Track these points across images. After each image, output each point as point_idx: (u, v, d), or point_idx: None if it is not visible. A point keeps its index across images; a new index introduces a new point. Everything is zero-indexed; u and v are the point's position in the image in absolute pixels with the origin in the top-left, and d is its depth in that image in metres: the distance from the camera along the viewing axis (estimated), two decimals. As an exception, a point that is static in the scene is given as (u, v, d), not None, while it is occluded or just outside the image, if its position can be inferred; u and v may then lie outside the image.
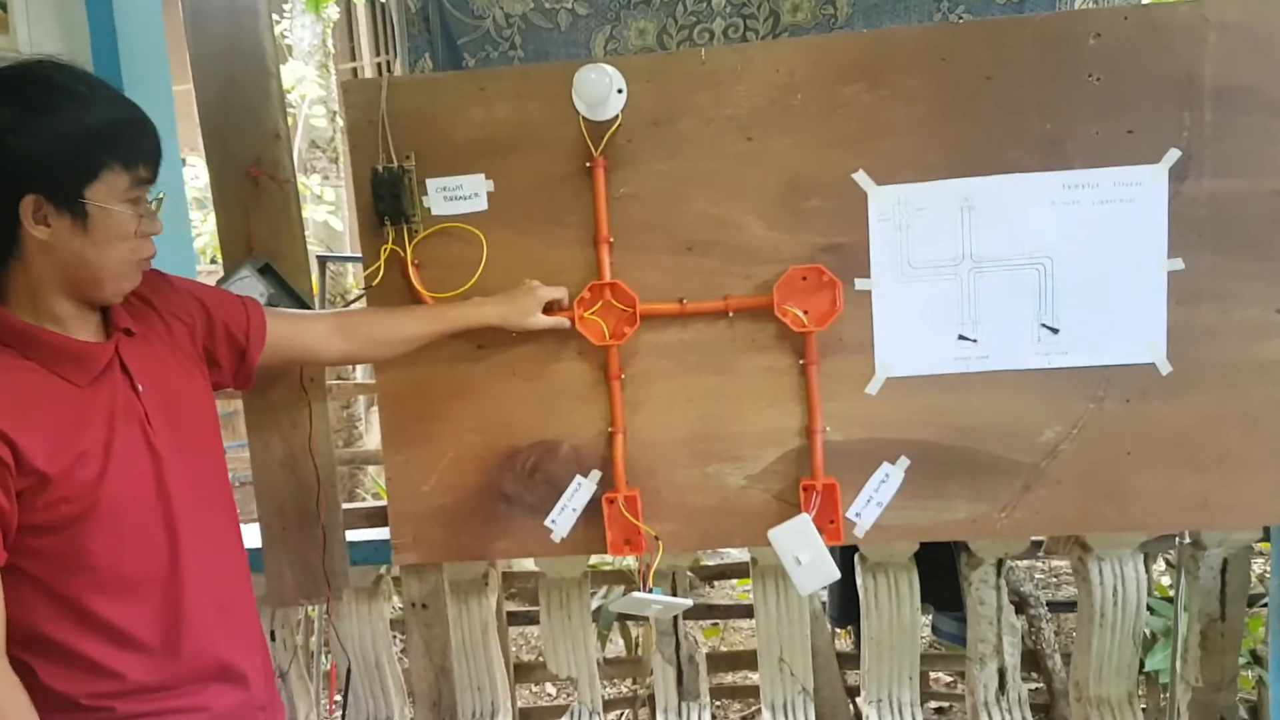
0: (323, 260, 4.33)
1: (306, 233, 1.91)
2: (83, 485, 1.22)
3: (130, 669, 1.28)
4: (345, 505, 2.05)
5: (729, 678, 3.78)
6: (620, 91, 1.70)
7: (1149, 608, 3.09)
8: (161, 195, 1.31)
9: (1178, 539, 2.09)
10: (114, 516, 1.25)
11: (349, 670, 2.04)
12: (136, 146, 1.23)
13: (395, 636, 2.39)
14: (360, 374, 4.71)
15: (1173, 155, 1.66)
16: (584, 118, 1.71)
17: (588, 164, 1.73)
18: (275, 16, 5.78)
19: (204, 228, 5.22)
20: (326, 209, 5.64)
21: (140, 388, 1.31)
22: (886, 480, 1.76)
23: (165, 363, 1.38)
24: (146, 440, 1.30)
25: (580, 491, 1.81)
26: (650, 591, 1.78)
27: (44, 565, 1.22)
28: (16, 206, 1.18)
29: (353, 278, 5.56)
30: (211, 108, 1.80)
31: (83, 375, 1.25)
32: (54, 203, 1.18)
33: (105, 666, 1.26)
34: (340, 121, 5.52)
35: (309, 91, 5.67)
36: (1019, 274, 1.70)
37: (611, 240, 1.74)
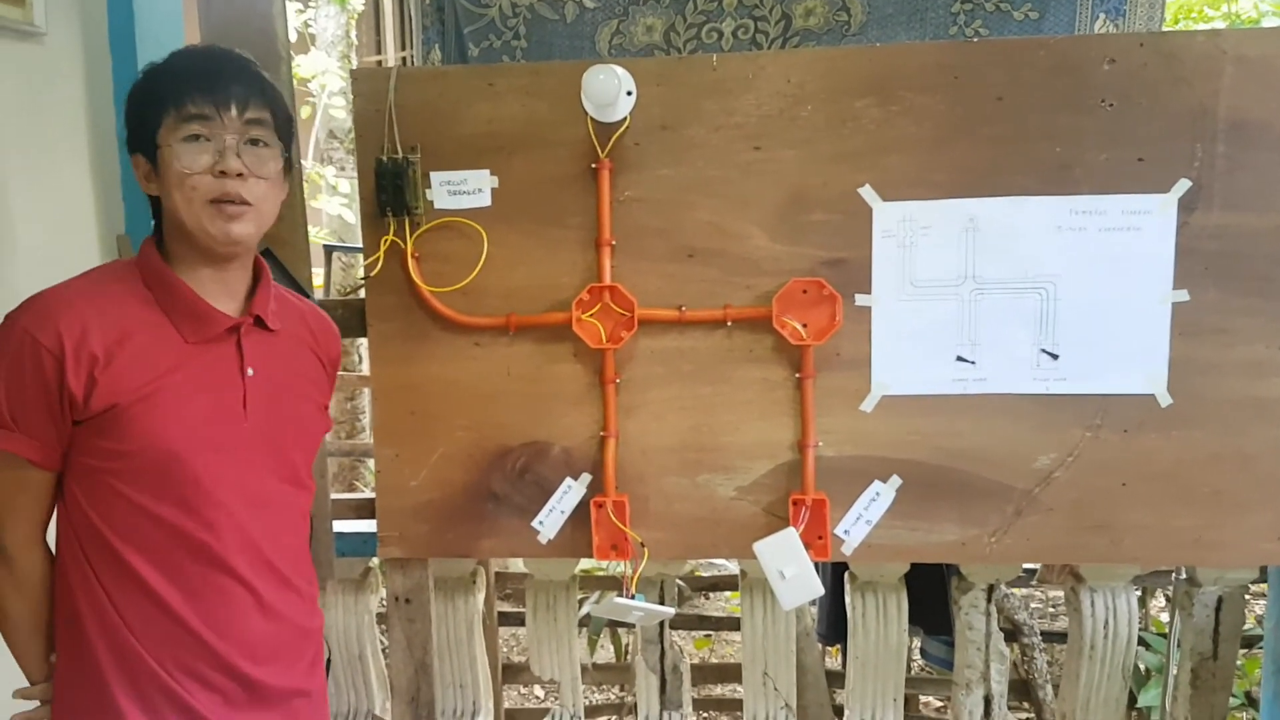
0: (329, 250, 4.32)
1: (320, 223, 1.90)
2: (138, 424, 1.25)
3: (146, 633, 1.29)
4: (335, 496, 2.04)
5: (718, 689, 3.75)
6: (630, 94, 1.68)
7: (1146, 643, 3.07)
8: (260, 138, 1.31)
9: (1174, 574, 2.07)
10: (162, 467, 1.26)
11: (328, 661, 2.02)
12: (179, 83, 1.26)
13: (382, 630, 2.38)
14: (366, 366, 4.71)
15: (1183, 185, 1.64)
16: (592, 118, 1.70)
17: (593, 165, 1.72)
18: (299, 5, 5.79)
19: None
20: (340, 201, 5.64)
21: (250, 371, 1.33)
22: (877, 499, 1.74)
23: (285, 374, 1.41)
24: (233, 419, 1.32)
25: (569, 494, 1.80)
26: (633, 598, 1.77)
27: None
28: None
29: (362, 269, 5.55)
30: (221, 90, 1.80)
31: (192, 332, 1.30)
32: (147, 157, 1.28)
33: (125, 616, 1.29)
34: (360, 113, 5.53)
35: (330, 83, 5.67)
36: (1021, 298, 1.68)
37: (613, 243, 1.73)
